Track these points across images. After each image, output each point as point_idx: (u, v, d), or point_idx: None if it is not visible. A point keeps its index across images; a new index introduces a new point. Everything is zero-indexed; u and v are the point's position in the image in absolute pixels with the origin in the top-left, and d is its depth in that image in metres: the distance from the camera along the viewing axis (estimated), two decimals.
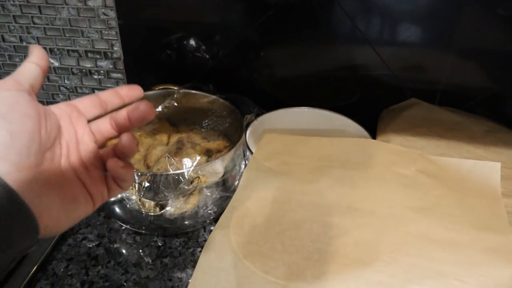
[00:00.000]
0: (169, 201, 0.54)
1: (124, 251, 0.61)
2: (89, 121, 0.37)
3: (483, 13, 0.70)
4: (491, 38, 0.71)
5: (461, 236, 0.51)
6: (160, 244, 0.62)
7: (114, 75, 0.85)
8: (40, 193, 0.30)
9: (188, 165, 0.55)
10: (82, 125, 0.36)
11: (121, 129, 0.38)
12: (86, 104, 0.37)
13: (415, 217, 0.54)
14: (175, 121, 0.77)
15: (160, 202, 0.55)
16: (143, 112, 0.37)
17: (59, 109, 0.35)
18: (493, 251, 0.48)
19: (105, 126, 0.38)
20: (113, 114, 0.38)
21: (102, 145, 0.38)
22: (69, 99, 0.88)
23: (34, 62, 0.34)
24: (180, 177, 0.54)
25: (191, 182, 0.55)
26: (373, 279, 0.47)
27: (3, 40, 0.83)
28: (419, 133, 0.68)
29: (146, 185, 0.53)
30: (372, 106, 0.80)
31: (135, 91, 0.40)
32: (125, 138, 0.36)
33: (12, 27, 0.81)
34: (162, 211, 0.55)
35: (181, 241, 0.63)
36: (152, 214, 0.56)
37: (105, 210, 0.66)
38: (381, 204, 0.56)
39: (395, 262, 0.48)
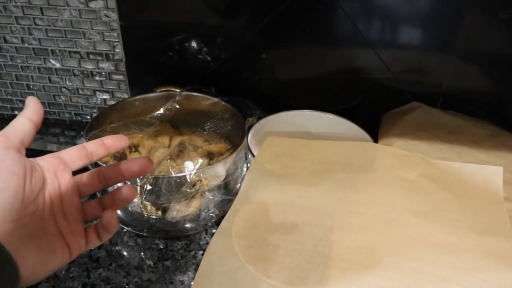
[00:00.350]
0: (171, 204, 0.54)
1: (125, 253, 0.61)
2: (74, 172, 0.38)
3: (485, 16, 0.70)
4: (493, 42, 0.71)
5: (463, 240, 0.51)
6: (161, 247, 0.62)
7: (116, 76, 0.84)
8: (19, 245, 0.31)
9: (190, 168, 0.55)
10: (66, 178, 0.37)
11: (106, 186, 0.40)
12: (73, 155, 0.38)
13: (417, 221, 0.54)
14: (177, 124, 0.77)
15: (162, 205, 0.54)
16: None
17: (46, 162, 0.36)
18: (496, 255, 0.48)
19: (90, 180, 0.39)
20: (100, 169, 0.40)
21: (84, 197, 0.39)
22: (71, 100, 0.89)
23: (28, 117, 0.35)
24: (182, 180, 0.54)
25: (193, 185, 0.55)
26: (374, 283, 0.47)
27: (5, 41, 0.83)
28: (421, 137, 0.68)
29: (148, 188, 0.53)
30: (373, 109, 0.80)
31: (120, 141, 0.41)
32: (125, 190, 0.38)
33: (14, 28, 0.81)
34: (164, 214, 0.55)
35: (183, 244, 0.63)
36: (154, 217, 0.56)
37: None
38: (383, 208, 0.56)
39: (397, 266, 0.48)
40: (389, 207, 0.56)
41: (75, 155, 0.38)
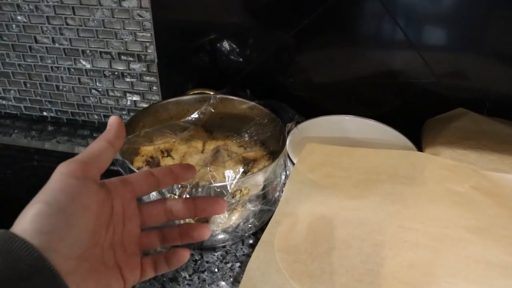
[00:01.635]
0: (212, 216, 0.51)
1: None
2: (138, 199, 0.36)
3: None
4: None
5: None
6: (196, 258, 0.60)
7: (147, 78, 0.82)
8: (80, 282, 0.29)
9: (231, 177, 0.52)
10: (132, 207, 0.35)
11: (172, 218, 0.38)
12: (140, 182, 0.35)
13: (471, 239, 0.50)
14: (210, 128, 0.74)
15: (202, 217, 0.52)
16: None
17: (115, 188, 0.33)
18: None
19: (156, 212, 0.37)
20: (168, 203, 0.37)
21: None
22: (100, 102, 0.87)
23: (111, 143, 0.32)
24: (223, 190, 0.52)
25: (233, 196, 0.52)
26: None
27: (36, 41, 0.81)
28: (469, 146, 0.64)
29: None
30: (413, 114, 0.76)
31: (189, 172, 0.38)
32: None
33: (45, 28, 0.79)
34: None
35: (219, 255, 0.60)
36: None
37: None
38: (435, 223, 0.52)
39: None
40: (442, 222, 0.52)
41: (143, 182, 0.36)
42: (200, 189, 0.52)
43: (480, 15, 0.67)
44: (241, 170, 0.54)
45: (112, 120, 0.34)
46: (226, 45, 0.77)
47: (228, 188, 0.52)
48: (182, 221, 0.45)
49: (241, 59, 0.78)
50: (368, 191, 0.57)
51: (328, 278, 0.47)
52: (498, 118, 0.71)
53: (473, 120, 0.70)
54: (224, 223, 0.53)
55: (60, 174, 0.29)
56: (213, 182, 0.53)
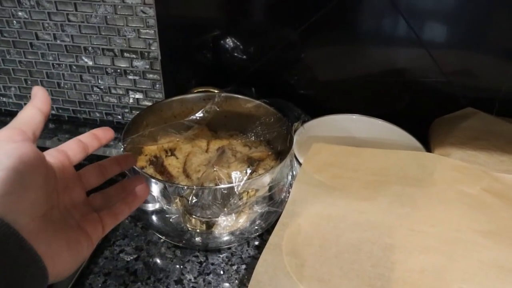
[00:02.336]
0: (219, 219, 0.50)
1: (164, 266, 0.58)
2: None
3: None
4: None
5: None
6: (202, 260, 0.59)
7: (150, 75, 0.81)
8: (50, 241, 0.31)
9: (237, 178, 0.51)
10: (71, 172, 0.37)
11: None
12: (74, 149, 0.38)
13: (484, 243, 0.49)
14: (215, 126, 0.73)
15: (209, 219, 0.51)
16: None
17: (53, 158, 0.35)
18: None
19: (92, 175, 0.40)
20: (100, 163, 0.41)
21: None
22: (102, 100, 0.86)
23: (38, 108, 0.34)
24: (230, 192, 0.50)
25: (240, 198, 0.51)
26: None
27: (37, 38, 0.80)
28: (479, 147, 0.63)
29: (193, 200, 0.49)
30: (421, 114, 0.75)
31: (108, 133, 0.41)
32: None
33: (46, 25, 0.78)
34: (209, 228, 0.52)
35: (224, 257, 0.59)
36: (198, 231, 0.52)
37: (143, 220, 0.63)
38: (446, 226, 0.51)
39: None
40: (453, 225, 0.51)
41: (76, 149, 0.38)
42: (206, 191, 0.50)
43: (489, 12, 0.66)
44: (248, 171, 0.53)
45: (35, 89, 0.35)
46: (230, 42, 0.76)
47: (235, 190, 0.50)
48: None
49: (245, 57, 0.77)
50: (377, 193, 0.56)
51: (338, 283, 0.46)
52: (508, 118, 0.70)
53: (482, 120, 0.68)
54: (231, 226, 0.51)
55: None
56: (219, 183, 0.52)
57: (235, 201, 0.50)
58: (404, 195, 0.55)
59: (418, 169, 0.59)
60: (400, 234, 0.51)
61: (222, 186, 0.50)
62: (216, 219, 0.50)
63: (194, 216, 0.50)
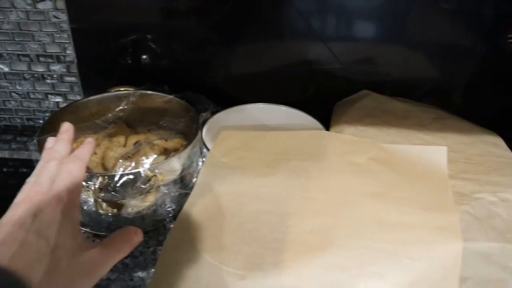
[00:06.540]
0: (126, 200, 0.54)
1: None
2: None
3: (429, 7, 0.73)
4: (438, 32, 0.74)
5: (412, 217, 0.53)
6: None
7: (68, 79, 0.83)
8: None
9: (145, 164, 0.55)
10: None
11: None
12: None
13: (369, 202, 0.56)
14: (132, 123, 0.76)
15: (117, 202, 0.54)
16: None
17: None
18: (441, 229, 0.50)
19: None
20: None
21: None
22: (22, 105, 0.87)
23: None
24: (137, 176, 0.54)
25: (148, 181, 0.55)
26: (329, 263, 0.48)
27: None
28: (370, 123, 0.70)
29: (103, 186, 0.53)
30: (326, 99, 0.82)
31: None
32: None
33: None
34: (120, 211, 0.55)
35: (142, 241, 0.62)
36: (110, 214, 0.55)
37: None
38: (336, 192, 0.57)
39: (350, 245, 0.50)
40: (342, 191, 0.57)
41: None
42: (116, 177, 0.54)
43: (381, 6, 0.73)
44: (154, 156, 0.57)
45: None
46: (145, 43, 0.80)
47: (142, 173, 0.54)
48: None
49: (160, 56, 0.81)
50: (277, 169, 0.61)
51: (238, 249, 0.51)
52: (398, 97, 0.78)
53: (374, 100, 0.76)
54: (137, 205, 0.55)
55: None
56: (127, 170, 0.56)
57: (142, 185, 0.54)
58: (300, 168, 0.61)
59: (314, 146, 0.65)
60: (295, 202, 0.56)
61: (128, 171, 0.54)
62: (124, 200, 0.53)
63: (103, 200, 0.53)
